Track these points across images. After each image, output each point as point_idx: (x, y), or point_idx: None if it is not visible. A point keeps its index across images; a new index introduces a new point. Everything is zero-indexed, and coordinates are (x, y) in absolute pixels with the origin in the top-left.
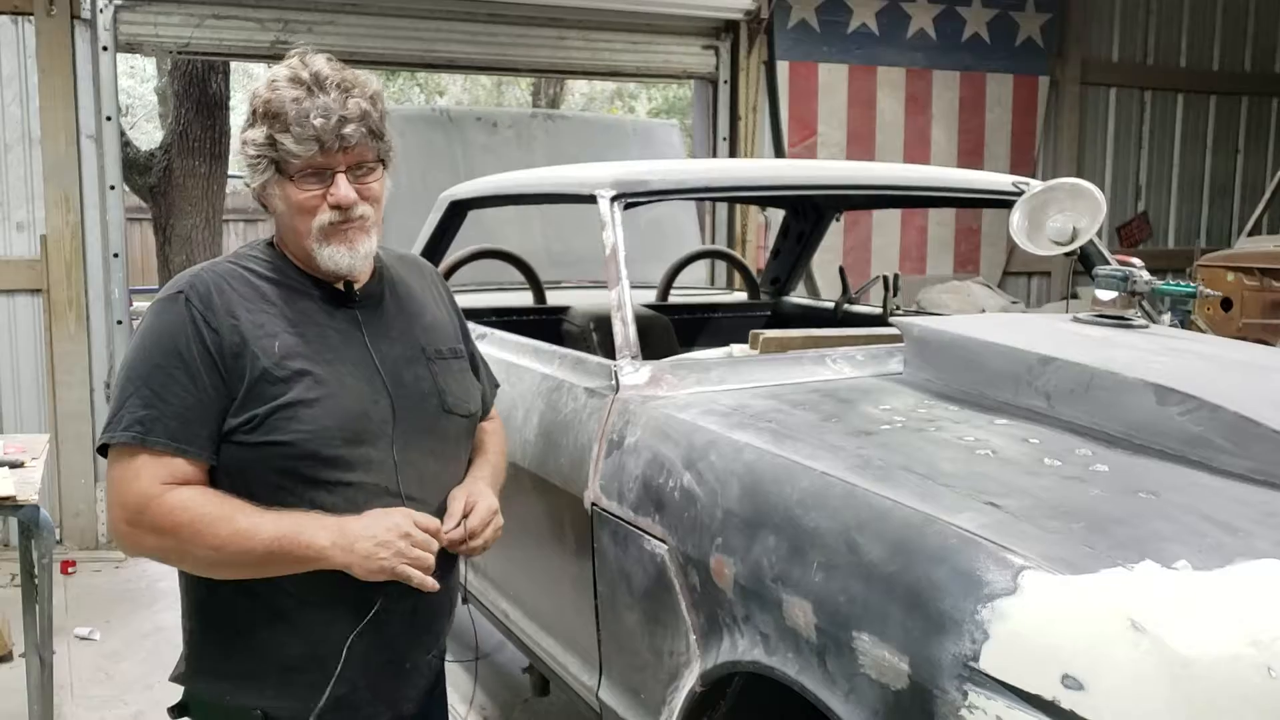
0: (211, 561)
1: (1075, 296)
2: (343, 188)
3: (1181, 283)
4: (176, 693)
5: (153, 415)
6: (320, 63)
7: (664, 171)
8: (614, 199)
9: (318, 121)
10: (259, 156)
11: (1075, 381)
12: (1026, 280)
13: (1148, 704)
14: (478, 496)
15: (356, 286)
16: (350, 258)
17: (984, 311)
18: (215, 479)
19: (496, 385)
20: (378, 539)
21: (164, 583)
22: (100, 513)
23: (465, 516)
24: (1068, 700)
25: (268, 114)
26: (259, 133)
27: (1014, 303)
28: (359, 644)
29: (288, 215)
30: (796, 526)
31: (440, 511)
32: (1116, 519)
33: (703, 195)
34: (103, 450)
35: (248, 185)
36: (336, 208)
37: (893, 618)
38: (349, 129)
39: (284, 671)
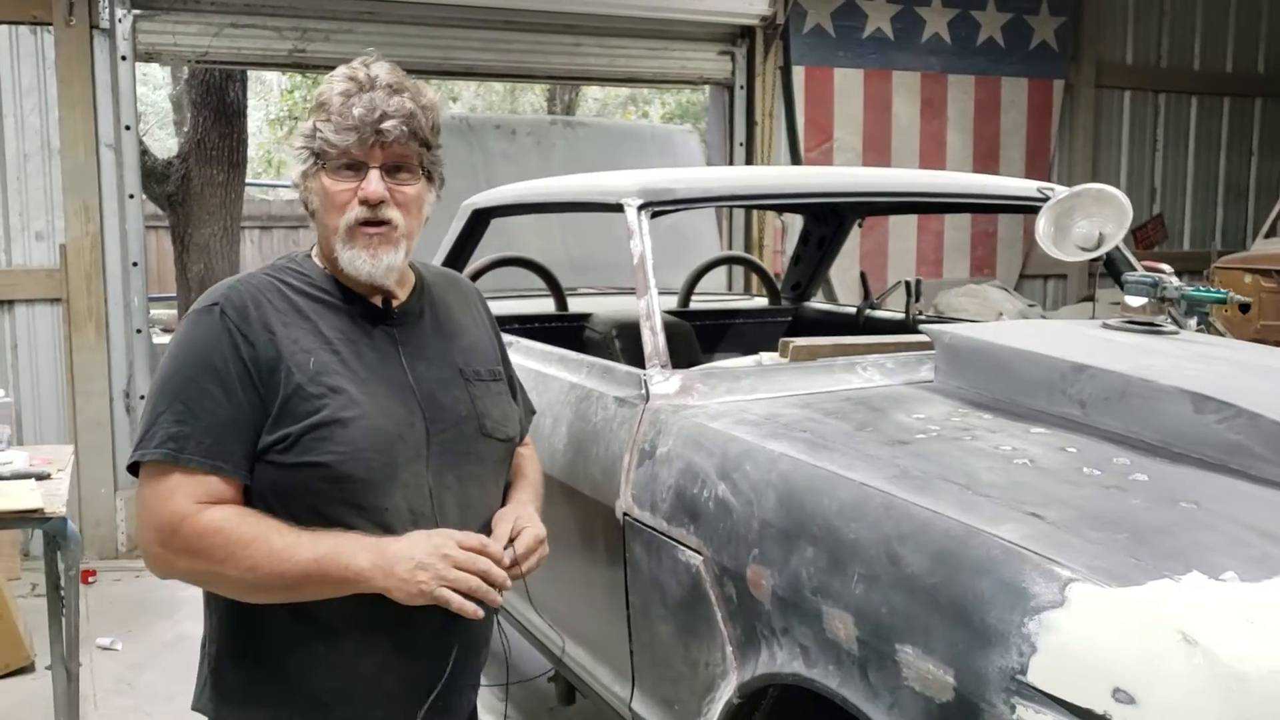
0: (246, 584)
1: (1093, 299)
2: (373, 183)
3: (1211, 288)
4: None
5: (186, 431)
6: (381, 67)
7: (691, 180)
8: (641, 208)
9: (357, 112)
10: (303, 146)
11: (1110, 389)
12: (1043, 283)
13: (1201, 718)
14: (526, 522)
15: (395, 303)
16: (371, 265)
17: (1002, 315)
18: (248, 499)
19: (533, 412)
20: (417, 560)
21: (185, 592)
22: (120, 522)
23: (512, 540)
24: (1119, 714)
25: (317, 105)
26: (308, 124)
27: (1031, 305)
28: (391, 678)
29: (321, 210)
30: (836, 538)
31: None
32: (1160, 529)
33: (730, 203)
34: (133, 468)
35: (294, 185)
36: (365, 203)
37: (936, 630)
38: (389, 124)
39: (313, 705)
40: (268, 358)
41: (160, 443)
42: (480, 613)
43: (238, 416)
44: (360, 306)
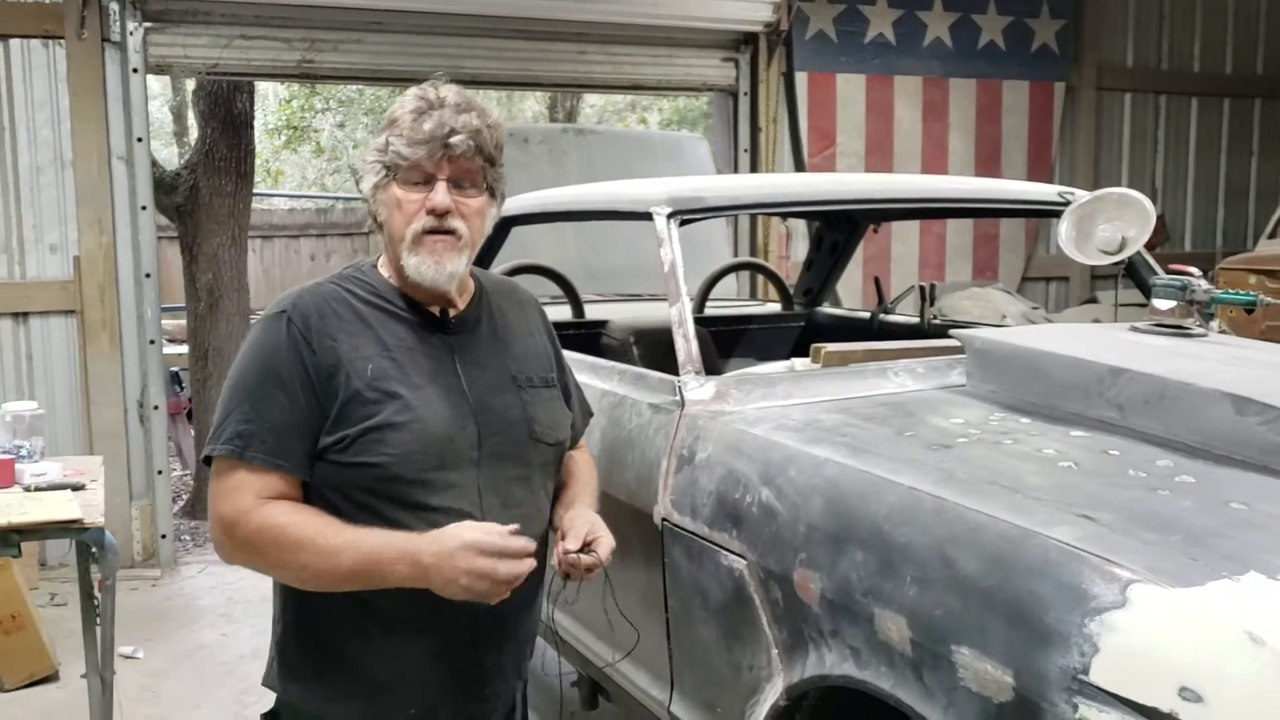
0: (299, 579)
1: (1095, 300)
2: (440, 193)
3: (1239, 291)
4: (223, 712)
5: (252, 430)
6: (449, 89)
7: (719, 188)
8: (670, 216)
9: (427, 126)
10: (376, 161)
11: (1148, 392)
12: (1045, 285)
13: (1271, 716)
14: (602, 531)
15: (453, 313)
16: (435, 271)
17: (1005, 317)
18: (308, 494)
19: (590, 414)
20: (445, 578)
21: (203, 600)
22: (135, 531)
23: (586, 546)
24: (1187, 713)
25: (389, 122)
26: (380, 139)
27: (1034, 308)
28: (442, 666)
29: (390, 219)
30: (886, 541)
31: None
32: (1212, 531)
33: (758, 210)
34: (208, 460)
35: (364, 197)
36: (432, 212)
37: (994, 631)
38: (456, 139)
39: (372, 688)
40: (328, 364)
41: (228, 439)
42: (502, 594)
43: (299, 419)
44: (420, 315)
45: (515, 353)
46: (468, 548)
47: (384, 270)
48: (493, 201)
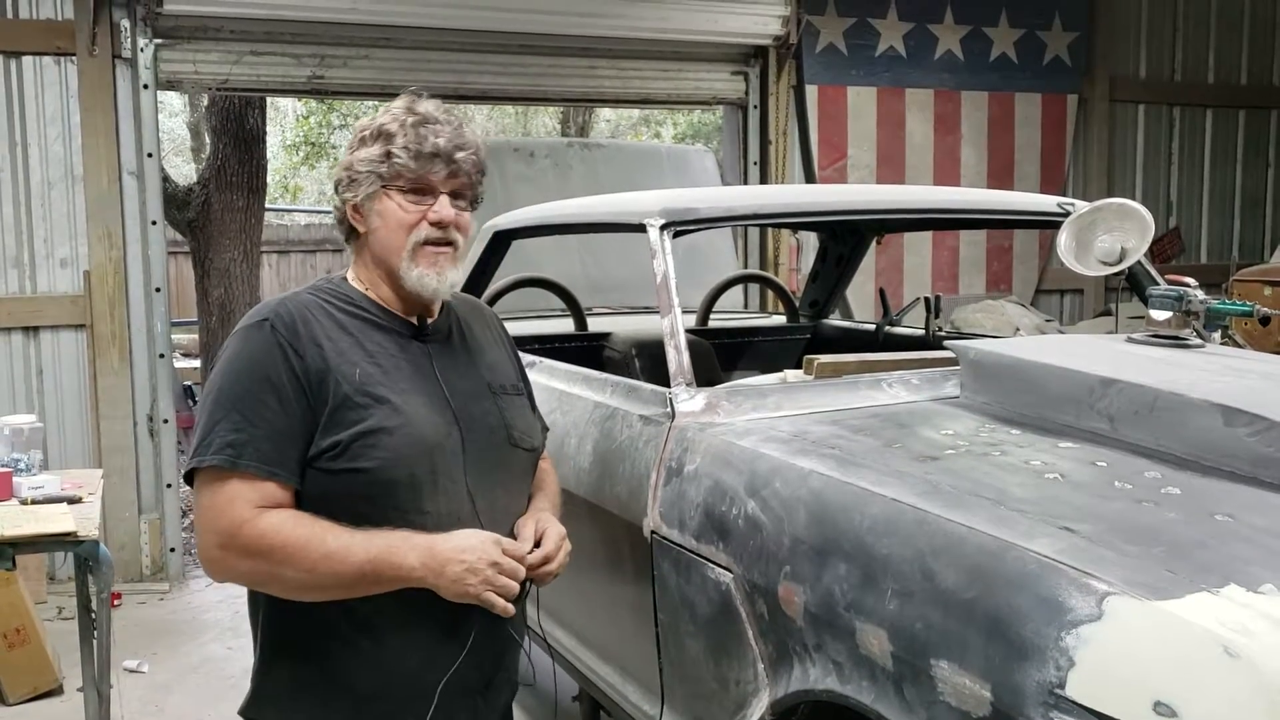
0: (302, 584)
1: (1109, 313)
2: (445, 206)
3: (1237, 301)
4: None
5: (243, 439)
6: (434, 104)
7: (712, 199)
8: (664, 227)
9: (440, 141)
10: (369, 172)
11: (1139, 403)
12: (1060, 298)
13: None
14: (546, 523)
15: (429, 321)
16: (437, 281)
17: (1019, 330)
18: (299, 504)
19: (546, 429)
20: (468, 564)
21: (210, 614)
22: (144, 545)
23: (537, 543)
24: None
25: (384, 134)
26: (373, 150)
27: (1048, 320)
28: (431, 675)
29: (384, 231)
30: (868, 554)
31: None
32: (1196, 542)
33: (751, 222)
34: (188, 477)
35: (337, 208)
36: (437, 224)
37: (972, 645)
38: (462, 155)
39: (356, 701)
40: (317, 369)
41: (218, 450)
42: (514, 610)
43: (292, 425)
44: (397, 324)
45: (487, 361)
46: (496, 542)
47: (356, 283)
48: (473, 213)
